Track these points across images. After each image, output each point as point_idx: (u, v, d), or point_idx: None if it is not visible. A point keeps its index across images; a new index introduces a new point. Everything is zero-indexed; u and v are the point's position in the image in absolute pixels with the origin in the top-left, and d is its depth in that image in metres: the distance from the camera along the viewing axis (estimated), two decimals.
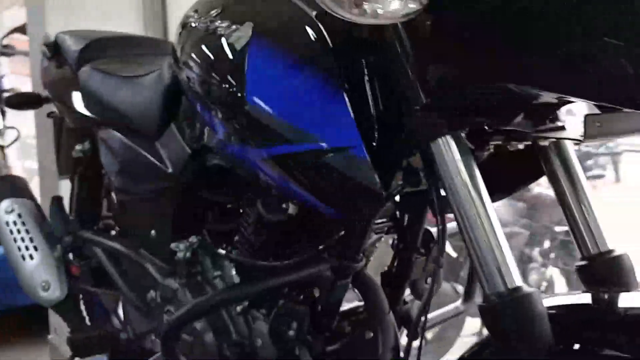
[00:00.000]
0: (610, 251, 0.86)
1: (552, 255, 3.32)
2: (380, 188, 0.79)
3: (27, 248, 1.65)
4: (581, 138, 0.73)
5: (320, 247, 1.01)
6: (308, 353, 1.04)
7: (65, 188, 1.87)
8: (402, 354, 1.01)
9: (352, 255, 1.00)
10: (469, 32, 0.67)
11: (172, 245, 1.21)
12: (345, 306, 1.11)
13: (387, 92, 0.82)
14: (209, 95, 0.99)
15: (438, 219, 0.82)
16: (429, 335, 2.44)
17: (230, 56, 0.93)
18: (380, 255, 1.16)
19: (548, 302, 0.77)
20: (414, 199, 0.97)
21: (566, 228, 2.99)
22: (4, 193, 1.76)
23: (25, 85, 3.20)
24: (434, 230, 1.12)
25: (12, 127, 3.54)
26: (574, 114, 0.80)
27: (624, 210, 3.25)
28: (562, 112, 0.82)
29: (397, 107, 0.81)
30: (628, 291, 0.84)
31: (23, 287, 1.65)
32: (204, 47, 0.99)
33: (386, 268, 1.16)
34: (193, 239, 1.21)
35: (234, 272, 1.15)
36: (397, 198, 0.97)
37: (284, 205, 1.03)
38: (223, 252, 1.16)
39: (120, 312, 1.86)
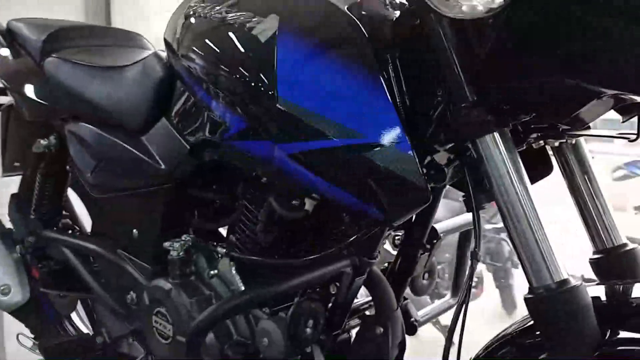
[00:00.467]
0: (624, 245, 0.91)
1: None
2: (427, 185, 0.80)
3: None
4: (634, 136, 0.77)
5: (336, 243, 1.01)
6: (320, 350, 1.04)
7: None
8: None
9: (370, 252, 1.00)
10: (536, 30, 0.68)
11: (166, 244, 1.16)
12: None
13: (428, 88, 0.82)
14: (227, 90, 0.96)
15: (474, 215, 0.83)
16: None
17: (256, 50, 0.90)
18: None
19: None
20: None
21: (495, 225, 3.12)
22: None
23: None
24: (437, 227, 1.14)
25: None
26: None
27: None
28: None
29: (436, 103, 0.82)
30: None
31: None
32: (220, 39, 0.96)
33: (386, 264, 1.18)
34: (186, 237, 1.18)
35: (233, 271, 1.12)
36: None
37: (294, 202, 1.02)
38: (223, 250, 1.13)
39: (75, 316, 1.79)
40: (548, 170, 0.97)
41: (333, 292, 1.02)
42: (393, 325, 1.05)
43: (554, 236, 0.76)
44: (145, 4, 2.72)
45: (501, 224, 1.01)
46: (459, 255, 1.28)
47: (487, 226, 3.50)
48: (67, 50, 1.49)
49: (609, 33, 0.65)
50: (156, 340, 1.19)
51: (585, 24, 0.65)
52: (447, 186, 0.98)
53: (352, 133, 0.83)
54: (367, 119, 0.82)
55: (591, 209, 0.92)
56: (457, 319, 0.81)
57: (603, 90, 0.69)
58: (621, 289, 0.87)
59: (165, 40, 1.18)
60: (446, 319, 1.95)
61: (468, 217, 1.19)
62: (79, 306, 1.68)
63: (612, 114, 0.82)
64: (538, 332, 0.81)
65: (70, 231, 1.56)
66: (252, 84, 0.91)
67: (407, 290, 1.19)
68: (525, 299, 0.77)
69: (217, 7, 0.99)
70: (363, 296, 1.14)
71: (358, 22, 0.85)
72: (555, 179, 1.00)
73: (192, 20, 1.04)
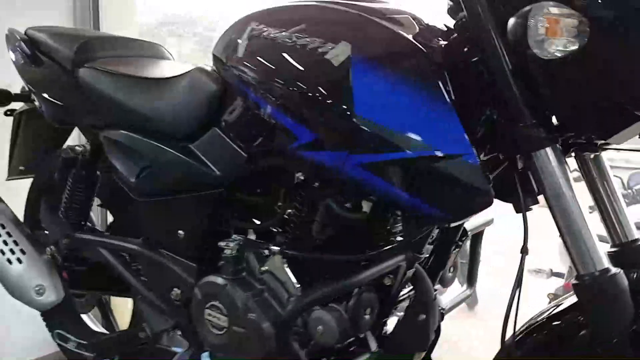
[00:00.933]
0: (637, 240, 1.08)
1: None
2: (491, 190, 0.95)
3: (12, 252, 1.61)
4: None
5: (387, 240, 1.15)
6: (372, 335, 1.17)
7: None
8: None
9: (419, 248, 1.15)
10: (605, 70, 0.84)
11: (221, 243, 1.27)
12: None
13: (489, 107, 0.97)
14: (298, 106, 1.08)
15: (524, 216, 0.99)
16: None
17: (331, 72, 1.03)
18: None
19: None
20: None
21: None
22: None
23: None
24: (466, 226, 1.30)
25: None
26: None
27: None
28: None
29: (488, 120, 0.98)
30: None
31: (10, 291, 1.60)
32: (293, 60, 1.08)
33: None
34: (237, 237, 1.29)
35: (286, 267, 1.23)
36: None
37: (350, 204, 1.15)
38: (276, 248, 1.24)
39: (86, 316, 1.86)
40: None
41: (387, 284, 1.15)
42: (432, 313, 1.20)
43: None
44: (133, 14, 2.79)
45: None
46: (472, 251, 1.44)
47: None
48: (100, 61, 1.57)
49: None
50: (209, 332, 1.29)
51: None
52: None
53: (423, 146, 0.97)
54: (437, 133, 0.97)
55: (610, 210, 1.09)
56: (512, 303, 0.97)
57: None
58: (635, 276, 1.04)
59: (215, 56, 1.29)
60: None
61: (485, 217, 1.36)
62: None
63: None
64: (578, 313, 0.97)
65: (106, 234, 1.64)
66: (328, 102, 1.04)
67: None
68: (573, 285, 0.93)
69: (285, 32, 1.11)
70: None
71: (424, 50, 1.00)
72: None
73: (259, 42, 1.15)
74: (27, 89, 1.74)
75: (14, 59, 1.75)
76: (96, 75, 1.52)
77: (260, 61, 1.14)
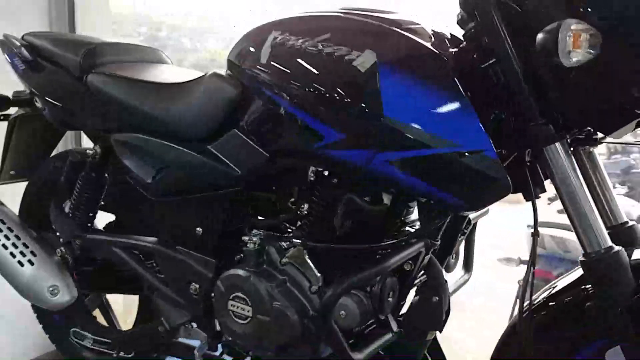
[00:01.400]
0: (625, 222, 1.23)
1: None
2: (509, 182, 1.07)
3: (22, 254, 1.64)
4: None
5: (404, 229, 1.26)
6: (393, 317, 1.28)
7: None
8: None
9: (435, 235, 1.26)
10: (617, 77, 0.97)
11: (245, 237, 1.35)
12: None
13: (503, 107, 1.10)
14: (325, 108, 1.17)
15: (534, 203, 1.11)
16: None
17: (359, 77, 1.13)
18: None
19: None
20: None
21: None
22: None
23: None
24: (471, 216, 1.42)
25: None
26: None
27: None
28: None
29: (503, 119, 1.10)
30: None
31: (22, 293, 1.64)
32: (321, 67, 1.18)
33: None
34: (256, 232, 1.37)
35: (307, 258, 1.33)
36: None
37: (368, 198, 1.26)
38: (297, 241, 1.33)
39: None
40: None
41: (407, 269, 1.27)
42: (444, 295, 1.32)
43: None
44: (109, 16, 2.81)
45: None
46: (467, 240, 1.57)
47: None
48: (107, 66, 1.62)
49: None
50: (232, 322, 1.37)
51: None
52: None
53: (448, 143, 1.08)
54: (460, 131, 1.08)
55: (602, 198, 1.23)
56: (527, 281, 1.09)
57: None
58: (631, 253, 1.18)
59: (231, 61, 1.37)
60: None
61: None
62: None
63: None
64: (588, 285, 1.11)
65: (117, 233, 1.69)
66: (356, 105, 1.14)
67: None
68: (581, 261, 1.07)
69: (310, 41, 1.21)
70: None
71: (443, 56, 1.11)
72: None
73: (284, 49, 1.24)
74: (21, 94, 1.78)
75: (12, 64, 1.78)
76: (106, 81, 1.57)
77: (287, 66, 1.23)
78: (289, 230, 1.43)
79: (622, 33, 0.95)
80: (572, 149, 1.19)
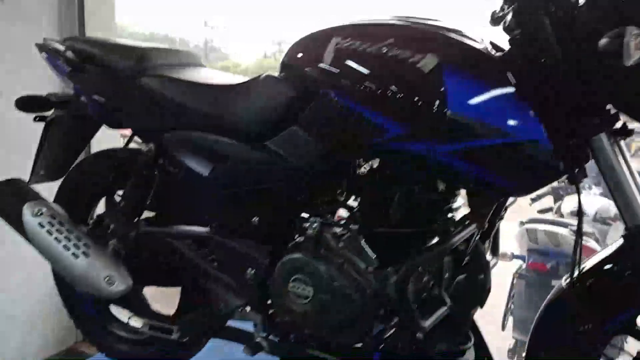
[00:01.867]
0: None
1: None
2: (560, 169, 1.23)
3: (76, 246, 1.71)
4: None
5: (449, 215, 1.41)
6: (446, 293, 1.43)
7: None
8: None
9: (485, 218, 1.41)
10: None
11: (305, 224, 1.47)
12: None
13: (554, 103, 1.25)
14: (392, 104, 1.31)
15: (577, 187, 1.27)
16: None
17: (424, 78, 1.28)
18: None
19: None
20: None
21: None
22: (19, 197, 1.78)
23: None
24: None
25: None
26: None
27: None
28: None
29: (561, 113, 1.26)
30: None
31: (78, 284, 1.71)
32: (388, 69, 1.32)
33: None
34: (314, 219, 1.49)
35: (363, 243, 1.45)
36: None
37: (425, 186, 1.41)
38: (355, 226, 1.46)
39: None
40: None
41: (462, 249, 1.41)
42: (488, 273, 1.47)
43: None
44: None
45: None
46: (492, 223, 1.72)
47: None
48: (159, 70, 1.73)
49: None
50: (292, 302, 1.49)
51: None
52: None
53: (508, 134, 1.23)
54: (518, 124, 1.23)
55: (627, 193, 1.36)
56: (576, 250, 1.26)
57: None
58: None
59: (287, 64, 1.50)
60: None
61: None
62: None
63: None
64: (621, 258, 1.27)
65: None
66: (422, 101, 1.28)
67: None
68: (624, 235, 1.24)
69: (374, 46, 1.34)
70: None
71: (494, 57, 1.27)
72: None
73: (348, 52, 1.37)
74: (52, 96, 1.87)
75: (54, 66, 1.87)
76: (162, 83, 1.68)
77: (352, 68, 1.36)
78: (342, 218, 1.56)
79: None
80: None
